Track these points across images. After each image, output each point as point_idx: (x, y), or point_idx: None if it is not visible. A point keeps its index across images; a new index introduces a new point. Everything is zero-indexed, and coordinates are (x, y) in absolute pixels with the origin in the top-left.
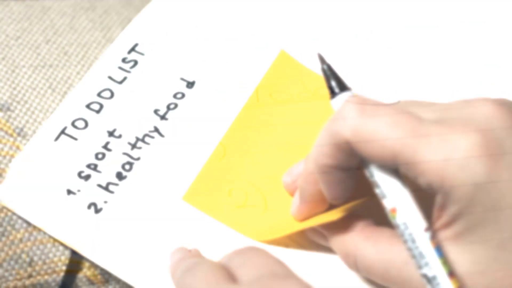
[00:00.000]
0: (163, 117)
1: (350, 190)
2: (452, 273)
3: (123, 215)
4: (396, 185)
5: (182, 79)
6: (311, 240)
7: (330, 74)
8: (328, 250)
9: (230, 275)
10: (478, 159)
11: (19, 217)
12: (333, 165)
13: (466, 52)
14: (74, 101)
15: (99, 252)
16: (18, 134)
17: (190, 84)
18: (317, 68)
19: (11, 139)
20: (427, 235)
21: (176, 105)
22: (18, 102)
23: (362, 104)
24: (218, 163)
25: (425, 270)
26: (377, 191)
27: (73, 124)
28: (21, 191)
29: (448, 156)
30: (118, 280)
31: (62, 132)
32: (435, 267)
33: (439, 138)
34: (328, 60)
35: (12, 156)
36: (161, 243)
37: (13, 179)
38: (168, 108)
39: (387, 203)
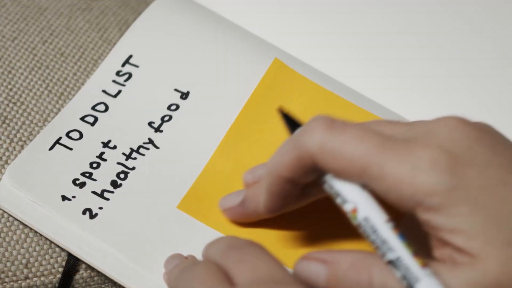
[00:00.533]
0: (157, 130)
1: (288, 205)
2: (416, 253)
3: (118, 222)
4: (355, 188)
5: (176, 90)
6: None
7: (288, 119)
8: None
9: (225, 273)
10: (445, 164)
11: (15, 219)
12: (289, 178)
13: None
14: (68, 114)
15: (94, 256)
16: (15, 136)
17: (184, 95)
18: (312, 75)
19: (8, 141)
20: (389, 225)
21: (170, 117)
22: (15, 104)
23: (331, 120)
24: (213, 172)
25: (389, 256)
26: (338, 200)
27: (67, 135)
28: (17, 194)
29: (415, 166)
30: (114, 282)
31: (57, 142)
32: (398, 249)
33: (405, 151)
34: (322, 65)
35: (8, 157)
36: (156, 250)
37: (9, 182)
38: (163, 120)
39: (348, 207)
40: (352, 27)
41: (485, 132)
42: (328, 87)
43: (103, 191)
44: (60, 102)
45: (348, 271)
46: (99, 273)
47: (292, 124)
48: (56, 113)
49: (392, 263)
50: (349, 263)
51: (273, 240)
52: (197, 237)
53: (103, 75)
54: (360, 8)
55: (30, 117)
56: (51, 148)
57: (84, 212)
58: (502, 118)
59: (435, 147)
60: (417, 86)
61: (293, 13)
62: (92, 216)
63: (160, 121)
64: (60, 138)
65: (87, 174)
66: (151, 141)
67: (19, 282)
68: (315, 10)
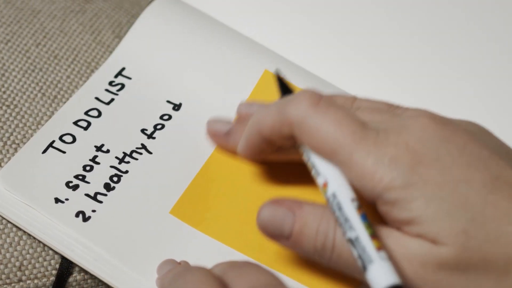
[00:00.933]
0: (150, 136)
1: (263, 155)
2: (374, 235)
3: (111, 225)
4: (329, 165)
5: (168, 101)
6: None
7: (282, 83)
8: (317, 268)
9: (223, 285)
10: (406, 162)
11: (9, 221)
12: (267, 137)
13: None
14: (61, 118)
15: (86, 260)
16: (8, 138)
17: (177, 107)
18: (302, 82)
19: (1, 143)
20: (353, 204)
21: (163, 126)
22: (8, 106)
23: (318, 98)
24: (205, 178)
25: (349, 234)
26: (312, 172)
27: (60, 138)
28: (10, 196)
29: (379, 160)
30: (108, 285)
31: (50, 145)
32: (358, 229)
33: (373, 143)
34: (318, 67)
35: (1, 160)
36: (149, 255)
37: (2, 185)
38: (155, 128)
39: (320, 180)
40: (347, 29)
41: (456, 132)
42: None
43: (96, 193)
44: (53, 105)
45: (316, 221)
46: (93, 276)
47: (284, 89)
48: (50, 116)
49: (351, 241)
50: (319, 214)
51: (270, 255)
52: (190, 243)
53: (96, 84)
54: (356, 10)
55: (23, 120)
56: (44, 151)
57: (77, 215)
58: (499, 117)
59: (401, 144)
60: (413, 89)
61: (289, 15)
62: (85, 219)
63: (152, 129)
64: (53, 141)
65: (80, 177)
66: (144, 147)
67: (13, 284)
68: (312, 12)
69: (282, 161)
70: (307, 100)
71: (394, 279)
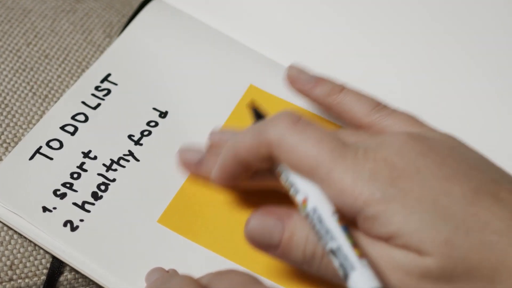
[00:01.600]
0: (137, 143)
1: (237, 182)
2: (355, 244)
3: (99, 235)
4: (307, 182)
5: (154, 109)
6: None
7: (257, 113)
8: (306, 276)
9: None
10: (385, 176)
11: None
12: (244, 160)
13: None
14: (48, 123)
15: (77, 260)
16: None
17: (163, 114)
18: (288, 97)
19: None
20: (334, 216)
21: (150, 132)
22: None
23: (297, 118)
24: (193, 186)
25: (330, 244)
26: (291, 192)
27: (48, 144)
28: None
29: (357, 176)
30: (98, 284)
31: (37, 151)
32: (339, 238)
33: (352, 160)
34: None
35: None
36: (138, 265)
37: None
38: (142, 134)
39: (299, 197)
40: (341, 30)
41: (434, 148)
42: (306, 105)
43: (84, 202)
44: (44, 104)
45: (306, 230)
46: (84, 275)
47: (259, 116)
48: (41, 116)
49: (332, 251)
50: (308, 223)
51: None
52: (178, 251)
53: (82, 88)
54: (352, 11)
55: (14, 119)
56: (31, 158)
57: (65, 224)
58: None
59: (380, 160)
60: (410, 90)
61: (283, 20)
62: (73, 228)
63: (140, 135)
64: (40, 147)
65: (68, 185)
66: (131, 153)
67: (3, 284)
68: (304, 14)
69: (256, 188)
70: (286, 119)
71: (375, 283)
